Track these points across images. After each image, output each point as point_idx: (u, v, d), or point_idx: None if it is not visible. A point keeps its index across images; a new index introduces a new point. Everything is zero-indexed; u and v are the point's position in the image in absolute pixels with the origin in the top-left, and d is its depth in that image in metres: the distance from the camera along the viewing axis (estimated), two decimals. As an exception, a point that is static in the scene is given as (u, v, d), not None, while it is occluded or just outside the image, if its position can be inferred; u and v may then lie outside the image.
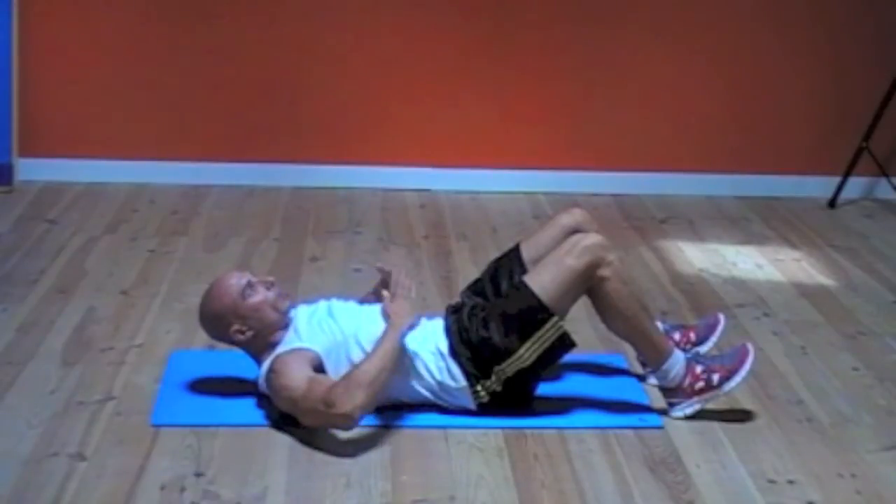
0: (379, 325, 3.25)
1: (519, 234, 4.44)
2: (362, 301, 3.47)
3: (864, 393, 3.55)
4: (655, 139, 5.53)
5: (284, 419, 3.16)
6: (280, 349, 3.20)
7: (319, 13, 5.26)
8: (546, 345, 3.18)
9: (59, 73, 5.25)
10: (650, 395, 3.43)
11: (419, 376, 3.22)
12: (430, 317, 3.42)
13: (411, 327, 3.23)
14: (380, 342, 3.14)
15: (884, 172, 5.46)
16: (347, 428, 3.05)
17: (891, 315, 4.19)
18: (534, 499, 2.91)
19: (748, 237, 5.01)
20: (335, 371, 3.18)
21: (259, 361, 3.25)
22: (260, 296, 3.24)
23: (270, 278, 3.34)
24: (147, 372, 3.47)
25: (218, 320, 3.24)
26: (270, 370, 3.16)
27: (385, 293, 3.33)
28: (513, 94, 5.41)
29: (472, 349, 3.21)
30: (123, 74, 5.27)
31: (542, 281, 3.20)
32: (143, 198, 5.14)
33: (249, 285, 3.24)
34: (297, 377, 3.09)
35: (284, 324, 3.28)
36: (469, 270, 4.27)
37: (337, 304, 3.35)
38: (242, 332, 3.22)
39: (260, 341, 3.25)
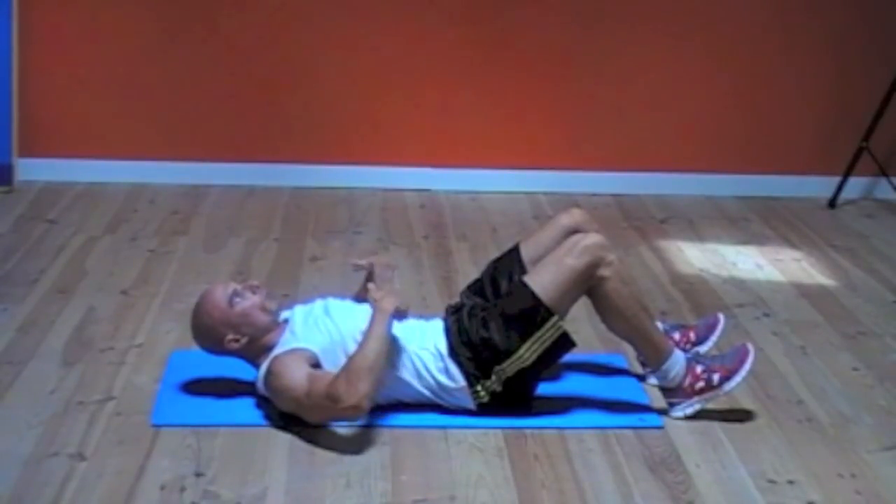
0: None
1: (519, 234, 4.44)
2: (357, 299, 3.47)
3: (864, 393, 3.55)
4: (655, 139, 5.53)
5: (284, 419, 3.16)
6: (277, 350, 3.21)
7: (319, 13, 5.26)
8: (546, 345, 3.18)
9: (59, 73, 5.25)
10: (650, 395, 3.43)
11: (419, 376, 3.22)
12: (430, 317, 3.42)
13: (401, 317, 3.22)
14: (369, 328, 3.13)
15: (884, 172, 5.46)
16: (357, 418, 3.07)
17: (891, 315, 4.18)
18: (534, 499, 2.91)
19: (748, 237, 5.01)
20: (334, 369, 3.18)
21: (257, 366, 3.26)
22: (247, 301, 3.24)
23: (255, 282, 3.36)
24: (147, 372, 3.47)
25: (211, 333, 3.24)
26: (269, 372, 3.16)
27: (370, 285, 3.33)
28: (513, 94, 5.41)
29: (472, 349, 3.21)
30: (123, 74, 5.27)
31: (542, 281, 3.20)
32: (143, 198, 5.14)
33: (235, 293, 3.24)
34: (297, 377, 3.09)
35: (276, 324, 3.28)
36: (469, 270, 4.27)
37: (333, 303, 3.35)
38: (237, 341, 3.22)
39: (255, 346, 3.25)
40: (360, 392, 3.01)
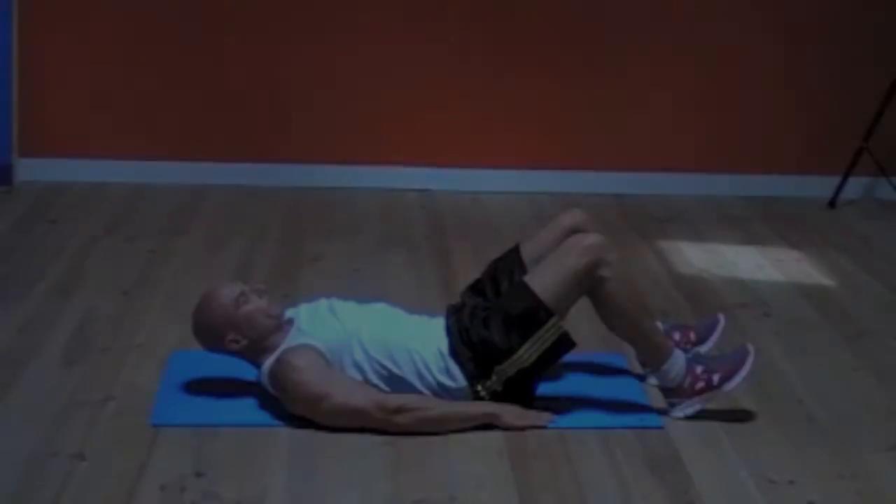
0: (380, 325, 3.27)
1: (519, 234, 4.43)
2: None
3: (864, 393, 3.55)
4: (655, 139, 5.53)
5: (285, 418, 3.16)
6: (285, 345, 3.21)
7: (319, 14, 5.26)
8: (546, 345, 3.18)
9: (59, 73, 5.25)
10: (650, 395, 3.43)
11: (420, 376, 3.22)
12: (431, 316, 3.42)
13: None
14: (473, 406, 3.20)
15: (884, 172, 5.46)
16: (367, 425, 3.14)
17: (891, 315, 4.18)
18: (534, 499, 2.91)
19: (748, 237, 5.01)
20: (339, 370, 3.19)
21: (258, 364, 3.25)
22: (252, 304, 3.23)
23: (262, 286, 3.36)
24: (147, 372, 3.47)
25: (212, 331, 3.24)
26: (281, 362, 3.15)
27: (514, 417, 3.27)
28: (513, 94, 5.41)
29: (472, 349, 3.21)
30: (123, 75, 5.27)
31: (542, 281, 3.20)
32: (143, 198, 5.14)
33: (242, 294, 3.23)
34: (317, 368, 3.12)
35: (279, 328, 3.27)
36: (469, 270, 4.24)
37: (338, 303, 3.35)
38: (237, 342, 3.22)
39: (256, 348, 3.24)
40: (397, 422, 3.12)
